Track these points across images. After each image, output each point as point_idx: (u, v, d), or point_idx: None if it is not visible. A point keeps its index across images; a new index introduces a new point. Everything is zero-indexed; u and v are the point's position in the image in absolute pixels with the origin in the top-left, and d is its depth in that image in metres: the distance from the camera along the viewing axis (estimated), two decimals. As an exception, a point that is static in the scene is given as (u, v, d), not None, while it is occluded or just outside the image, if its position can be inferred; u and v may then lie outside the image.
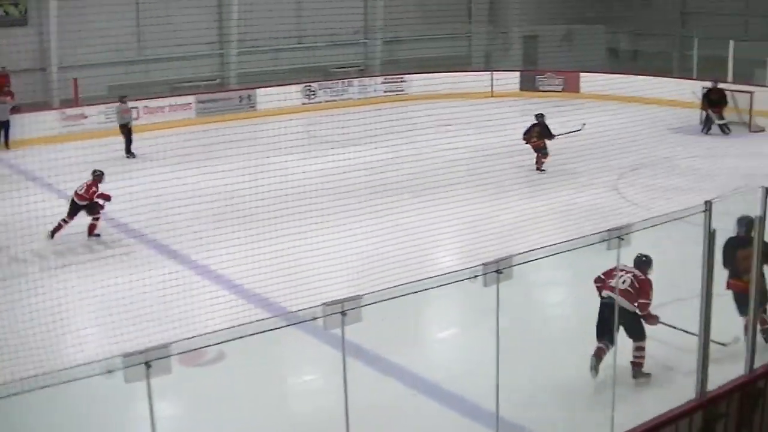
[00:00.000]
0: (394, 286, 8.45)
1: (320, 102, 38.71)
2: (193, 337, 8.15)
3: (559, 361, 13.57)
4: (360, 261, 17.05)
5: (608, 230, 9.57)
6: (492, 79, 41.07)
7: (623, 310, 12.17)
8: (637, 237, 9.70)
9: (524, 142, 26.27)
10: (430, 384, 13.17)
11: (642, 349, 12.75)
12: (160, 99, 36.47)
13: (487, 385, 9.40)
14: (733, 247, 12.73)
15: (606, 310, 12.52)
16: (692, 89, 33.90)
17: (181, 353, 7.67)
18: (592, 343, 12.70)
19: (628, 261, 12.28)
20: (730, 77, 36.36)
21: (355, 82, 41.11)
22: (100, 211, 20.81)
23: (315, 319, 8.08)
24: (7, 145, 32.05)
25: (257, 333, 7.90)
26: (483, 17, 46.67)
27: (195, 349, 7.94)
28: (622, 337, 12.19)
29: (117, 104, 32.07)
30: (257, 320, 8.81)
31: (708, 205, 9.72)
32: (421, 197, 21.66)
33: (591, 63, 43.28)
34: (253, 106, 37.27)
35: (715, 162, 26.96)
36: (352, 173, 21.84)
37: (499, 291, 8.78)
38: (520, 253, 9.08)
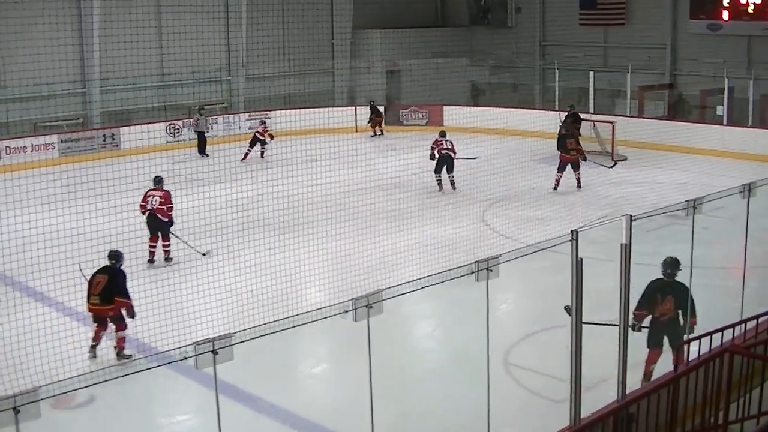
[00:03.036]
0: (266, 323, 8.46)
1: (185, 140, 38.45)
2: (62, 380, 8.04)
3: (430, 396, 13.70)
4: (231, 299, 16.99)
5: (476, 261, 9.71)
6: (356, 114, 41.37)
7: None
8: (506, 267, 9.86)
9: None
10: (304, 421, 13.17)
11: None
12: (21, 139, 35.82)
13: (361, 422, 9.45)
14: (654, 289, 13.03)
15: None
16: (555, 118, 34.61)
17: (50, 397, 7.57)
18: (459, 376, 12.81)
19: (498, 292, 12.46)
20: (591, 108, 37.26)
21: (220, 119, 40.97)
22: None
23: (186, 358, 8.04)
24: None
25: (128, 374, 7.84)
26: (345, 53, 46.98)
27: (64, 393, 7.83)
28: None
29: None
30: (127, 360, 8.72)
31: (574, 234, 9.93)
32: (289, 233, 21.69)
33: (454, 96, 43.94)
34: (116, 145, 36.83)
35: (581, 191, 27.53)
36: (219, 211, 21.76)
37: (370, 325, 8.85)
38: (389, 287, 9.15)
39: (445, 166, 28.03)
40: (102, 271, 16.14)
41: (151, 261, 20.82)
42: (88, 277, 15.96)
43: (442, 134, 29.14)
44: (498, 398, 10.74)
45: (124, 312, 15.60)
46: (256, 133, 35.70)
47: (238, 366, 8.31)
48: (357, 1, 46.21)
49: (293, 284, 18.12)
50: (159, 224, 21.01)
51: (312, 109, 39.64)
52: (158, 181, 22.06)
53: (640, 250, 10.86)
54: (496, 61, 46.64)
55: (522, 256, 10.28)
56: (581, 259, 9.94)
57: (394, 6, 46.04)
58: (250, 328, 8.32)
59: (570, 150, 28.04)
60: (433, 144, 28.64)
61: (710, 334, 11.88)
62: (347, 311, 8.74)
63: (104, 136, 37.26)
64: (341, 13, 46.31)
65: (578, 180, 27.97)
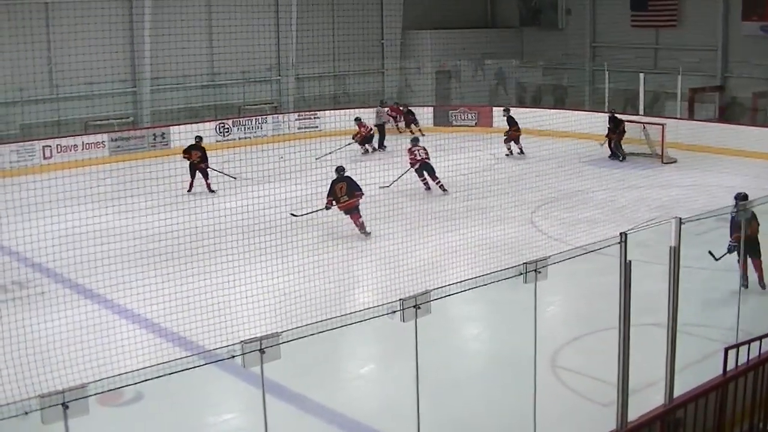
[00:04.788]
0: (313, 323, 8.46)
1: (234, 139, 38.61)
2: (110, 377, 8.08)
3: (476, 398, 13.66)
4: (279, 298, 17.02)
5: (524, 263, 9.66)
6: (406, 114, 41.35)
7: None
8: (554, 269, 9.80)
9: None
10: (350, 421, 13.17)
11: None
12: (73, 137, 36.14)
13: (407, 422, 9.43)
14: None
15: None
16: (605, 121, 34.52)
17: (98, 393, 7.61)
18: (506, 378, 12.75)
19: (546, 294, 12.40)
20: (641, 110, 37.02)
21: (269, 119, 41.10)
22: None
23: (233, 357, 8.06)
24: None
25: (175, 372, 7.86)
26: (395, 53, 46.98)
27: (113, 389, 7.87)
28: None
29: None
30: (175, 359, 8.75)
31: (623, 236, 9.85)
32: (337, 233, 21.70)
33: (503, 98, 43.84)
34: (166, 144, 37.05)
35: (630, 194, 27.36)
36: (270, 209, 21.81)
37: (417, 326, 8.83)
38: (437, 288, 9.13)
39: (425, 172, 28.21)
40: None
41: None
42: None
43: (415, 141, 29.34)
44: (544, 401, 10.68)
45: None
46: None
47: (285, 365, 8.32)
48: (407, 2, 46.24)
49: (341, 284, 18.14)
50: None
51: (361, 110, 39.61)
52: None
53: (689, 253, 10.76)
54: (546, 63, 46.42)
55: (570, 258, 10.22)
56: (630, 261, 9.86)
57: (444, 7, 45.91)
58: (297, 328, 8.32)
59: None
60: (408, 154, 28.79)
61: (760, 338, 11.75)
62: (395, 312, 8.73)
63: (154, 135, 37.52)
64: (391, 14, 46.32)
65: None
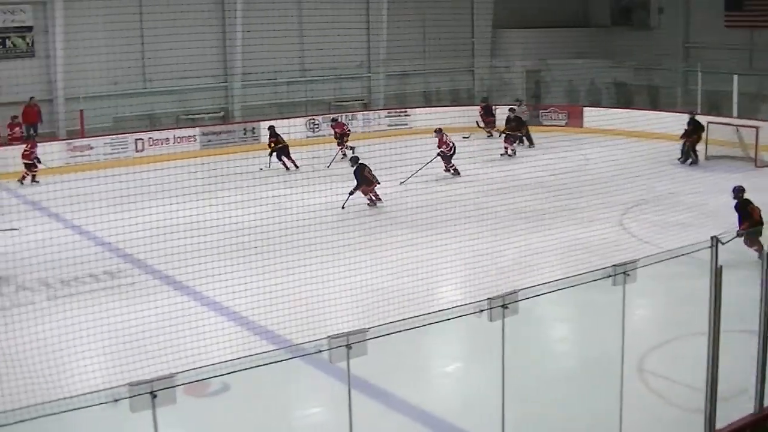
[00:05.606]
0: (400, 320, 8.47)
1: (324, 135, 38.80)
2: (198, 367, 8.16)
3: (561, 399, 13.57)
4: (365, 294, 17.05)
5: (613, 266, 9.59)
6: (494, 114, 41.14)
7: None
8: (643, 272, 9.71)
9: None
10: (435, 418, 13.16)
11: None
12: (164, 131, 36.61)
13: (492, 421, 9.40)
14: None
15: None
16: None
17: (186, 384, 7.70)
18: (592, 381, 12.66)
19: (635, 297, 12.29)
20: (735, 112, 36.39)
21: (359, 115, 41.21)
22: None
23: (320, 351, 8.11)
24: None
25: (262, 365, 7.93)
26: (486, 51, 46.81)
27: (200, 380, 7.96)
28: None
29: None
30: (262, 352, 8.84)
31: (714, 240, 9.73)
32: (426, 231, 21.66)
33: (594, 97, 43.45)
34: (257, 139, 37.33)
35: (720, 197, 26.92)
36: (358, 206, 21.88)
37: (505, 326, 8.80)
38: (525, 288, 9.09)
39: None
40: (362, 166, 25.28)
41: None
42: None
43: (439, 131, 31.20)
44: (630, 405, 10.59)
45: None
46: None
47: (370, 361, 8.34)
48: (498, 0, 46.02)
49: (428, 281, 18.12)
50: None
51: (451, 108, 39.56)
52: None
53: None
54: (638, 63, 45.87)
55: (660, 261, 10.12)
56: (721, 266, 9.74)
57: (535, 5, 45.62)
58: (384, 324, 8.35)
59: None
60: (443, 144, 30.45)
61: None
62: (482, 311, 8.72)
63: (245, 129, 37.83)
64: (481, 12, 46.16)
65: None
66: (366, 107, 43.26)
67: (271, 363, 7.94)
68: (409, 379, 14.47)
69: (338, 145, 34.71)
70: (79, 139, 35.07)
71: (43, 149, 31.90)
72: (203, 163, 32.66)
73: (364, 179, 25.36)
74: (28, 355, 14.81)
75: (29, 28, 36.13)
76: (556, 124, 41.50)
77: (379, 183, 25.53)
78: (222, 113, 40.26)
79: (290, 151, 32.96)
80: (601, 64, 45.02)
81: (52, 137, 35.72)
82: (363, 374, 9.30)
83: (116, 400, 7.45)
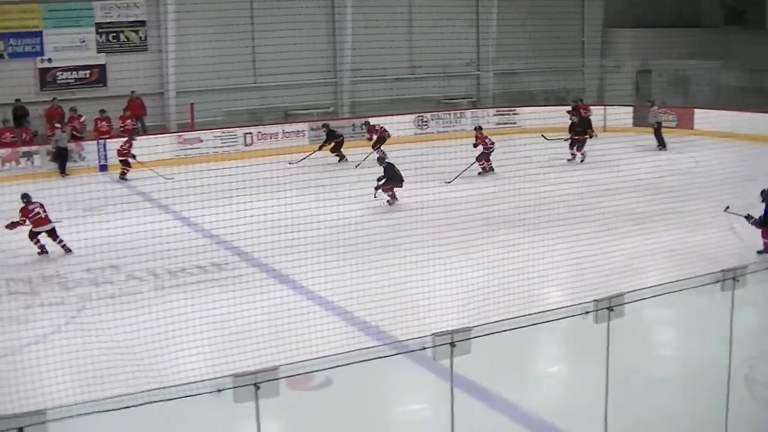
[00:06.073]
0: (505, 319, 8.45)
1: (432, 133, 38.80)
2: (302, 361, 8.23)
3: (665, 404, 13.40)
4: (470, 293, 17.02)
5: (722, 271, 9.45)
6: (605, 114, 40.75)
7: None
8: (753, 278, 9.57)
9: None
10: (537, 419, 13.09)
11: None
12: (273, 125, 36.96)
13: (593, 425, 9.33)
14: None
15: None
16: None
17: (289, 376, 7.77)
18: (697, 387, 12.47)
19: (743, 304, 12.09)
20: None
21: (468, 113, 41.13)
22: None
23: (424, 348, 8.12)
24: (63, 172, 32.98)
25: (366, 360, 7.97)
26: (596, 51, 46.40)
27: (303, 374, 8.02)
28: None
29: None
30: (366, 347, 8.90)
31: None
32: (532, 231, 21.54)
33: (705, 99, 42.77)
34: (365, 135, 37.53)
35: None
36: (464, 204, 21.84)
37: (610, 329, 8.73)
38: (631, 291, 9.01)
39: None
40: (391, 165, 25.89)
41: None
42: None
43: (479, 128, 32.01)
44: (736, 413, 10.44)
45: None
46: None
47: (473, 359, 8.33)
48: (608, -1, 45.64)
49: (533, 282, 18.02)
50: None
51: (559, 107, 39.26)
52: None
53: None
54: (752, 65, 45.01)
55: (771, 267, 9.95)
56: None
57: (646, 4, 45.08)
58: (488, 323, 8.33)
59: None
60: (483, 140, 30.99)
61: None
62: (588, 312, 8.66)
63: (353, 125, 37.99)
64: (592, 11, 45.79)
65: None
66: (474, 105, 43.17)
67: (374, 359, 7.99)
68: (511, 378, 14.40)
69: (373, 147, 34.14)
70: (189, 132, 35.58)
71: (153, 141, 32.39)
72: (311, 158, 32.92)
73: (396, 176, 25.89)
74: (135, 343, 15.08)
75: (142, 23, 36.89)
76: (666, 126, 40.89)
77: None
78: (331, 109, 40.54)
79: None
80: (713, 65, 44.31)
81: (163, 130, 36.36)
82: (465, 372, 9.29)
83: (220, 391, 7.56)
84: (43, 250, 22.11)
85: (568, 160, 33.18)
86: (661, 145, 35.95)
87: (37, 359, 14.14)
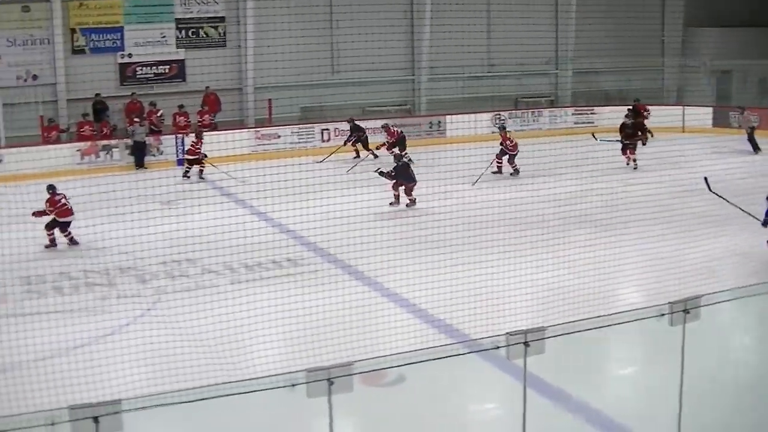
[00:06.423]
0: (579, 320, 8.42)
1: (510, 131, 38.66)
2: (375, 357, 8.25)
3: (741, 409, 13.24)
4: (543, 292, 16.95)
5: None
6: (683, 114, 40.28)
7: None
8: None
9: None
10: (610, 421, 13.00)
11: None
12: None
13: (668, 427, 9.26)
14: None
15: None
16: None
17: (363, 372, 7.80)
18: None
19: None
20: None
21: (545, 112, 40.91)
22: None
23: (497, 348, 8.12)
24: (142, 165, 33.52)
25: (439, 358, 7.98)
26: (676, 50, 45.87)
27: (377, 370, 8.05)
28: None
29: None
30: (439, 345, 8.91)
31: None
32: (608, 231, 21.39)
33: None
34: (442, 133, 37.49)
35: None
36: (538, 204, 21.76)
37: (685, 332, 8.66)
38: (708, 294, 8.92)
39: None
40: (405, 166, 24.99)
41: None
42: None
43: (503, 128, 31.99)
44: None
45: None
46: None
47: (546, 359, 8.30)
48: (689, -3, 45.11)
49: (608, 282, 17.89)
50: None
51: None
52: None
53: None
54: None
55: None
56: None
57: (729, 3, 44.46)
58: (562, 324, 8.30)
59: None
60: (508, 140, 30.78)
61: None
62: (663, 314, 8.60)
63: (430, 123, 38.01)
64: (673, 9, 45.29)
65: None
66: (552, 104, 42.94)
67: (448, 357, 8.00)
68: (584, 379, 14.29)
69: (387, 149, 33.30)
70: (267, 128, 35.82)
71: (231, 136, 32.62)
72: (387, 156, 32.96)
73: (406, 175, 25.42)
74: (210, 336, 15.23)
75: (222, 19, 37.23)
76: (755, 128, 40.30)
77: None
78: (408, 106, 40.56)
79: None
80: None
81: (241, 125, 36.64)
82: (538, 372, 9.26)
83: (294, 385, 7.61)
84: (53, 243, 22.57)
85: (634, 168, 31.68)
86: (756, 148, 35.30)
87: (112, 350, 14.34)
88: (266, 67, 35.48)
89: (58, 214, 22.31)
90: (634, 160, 31.78)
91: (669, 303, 8.60)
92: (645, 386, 14.53)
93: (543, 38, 40.71)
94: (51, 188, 22.54)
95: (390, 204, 25.19)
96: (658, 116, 38.26)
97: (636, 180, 25.09)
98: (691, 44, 45.60)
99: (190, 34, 37.00)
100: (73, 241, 22.70)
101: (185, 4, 36.77)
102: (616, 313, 8.65)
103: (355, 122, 34.63)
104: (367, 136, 34.40)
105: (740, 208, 18.42)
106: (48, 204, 22.25)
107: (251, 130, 35.96)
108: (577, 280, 17.28)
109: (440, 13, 38.05)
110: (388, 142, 33.15)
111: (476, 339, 12.02)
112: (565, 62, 43.55)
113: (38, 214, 22.16)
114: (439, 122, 38.03)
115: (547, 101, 43.11)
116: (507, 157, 30.33)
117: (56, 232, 22.52)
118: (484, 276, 17.71)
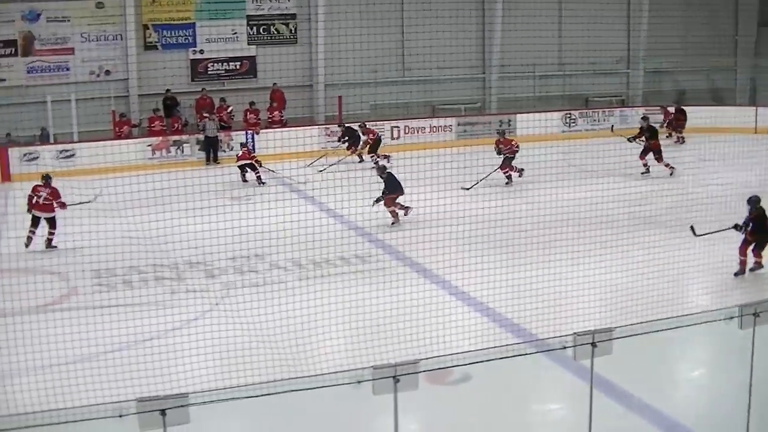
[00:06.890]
0: (647, 321, 8.36)
1: (580, 131, 38.44)
2: (441, 355, 8.26)
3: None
4: (611, 293, 16.83)
5: None
6: (756, 115, 39.74)
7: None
8: None
9: None
10: (675, 424, 12.89)
11: None
12: (421, 120, 37.07)
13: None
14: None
15: None
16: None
17: (429, 370, 7.81)
18: None
19: None
20: None
21: (616, 111, 40.63)
22: None
23: (564, 348, 8.09)
24: (216, 160, 33.87)
25: (506, 357, 7.96)
26: (749, 50, 45.32)
27: (442, 368, 8.05)
28: None
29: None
30: (505, 344, 8.88)
31: None
32: (677, 232, 21.20)
33: None
34: (512, 131, 37.37)
35: None
36: (607, 204, 21.60)
37: (755, 335, 8.57)
38: (779, 298, 8.82)
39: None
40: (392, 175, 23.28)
41: None
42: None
43: (503, 133, 31.05)
44: None
45: None
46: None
47: (613, 360, 8.26)
48: (763, -3, 44.56)
49: (677, 284, 17.74)
50: None
51: (710, 107, 38.44)
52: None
53: None
54: None
55: None
56: None
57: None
58: (630, 325, 8.26)
59: None
60: (505, 144, 29.68)
61: None
62: (732, 318, 8.52)
63: (500, 121, 37.83)
64: (746, 9, 44.77)
65: None
66: (623, 104, 42.63)
67: (515, 356, 7.98)
68: (651, 381, 14.19)
69: (369, 153, 33.36)
70: (337, 125, 35.93)
71: (301, 133, 32.74)
72: (457, 154, 32.88)
73: (395, 186, 23.82)
74: (277, 331, 15.28)
75: (293, 16, 37.46)
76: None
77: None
78: (478, 104, 40.50)
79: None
80: None
81: (310, 122, 36.79)
82: (605, 373, 9.21)
83: (359, 382, 7.64)
84: (30, 242, 22.23)
85: (642, 173, 30.35)
86: None
87: (180, 344, 14.44)
88: (336, 65, 35.63)
89: (37, 208, 22.31)
90: (667, 165, 30.31)
91: (738, 306, 8.51)
92: (713, 390, 14.39)
93: (614, 37, 40.39)
94: (45, 178, 22.74)
95: (392, 224, 23.58)
96: (729, 117, 37.78)
97: (705, 181, 24.77)
98: (765, 44, 45.05)
99: (261, 30, 37.27)
100: (49, 242, 22.50)
101: (257, 1, 37.03)
102: (684, 315, 8.57)
103: (347, 126, 34.32)
104: (359, 140, 34.00)
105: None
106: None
107: (321, 126, 36.09)
108: (644, 282, 17.14)
109: (512, 11, 38.01)
110: (367, 142, 33.48)
111: (543, 339, 11.98)
112: (637, 62, 43.19)
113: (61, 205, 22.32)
114: (510, 121, 37.84)
115: (618, 101, 42.79)
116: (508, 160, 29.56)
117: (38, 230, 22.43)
118: (551, 276, 17.66)
